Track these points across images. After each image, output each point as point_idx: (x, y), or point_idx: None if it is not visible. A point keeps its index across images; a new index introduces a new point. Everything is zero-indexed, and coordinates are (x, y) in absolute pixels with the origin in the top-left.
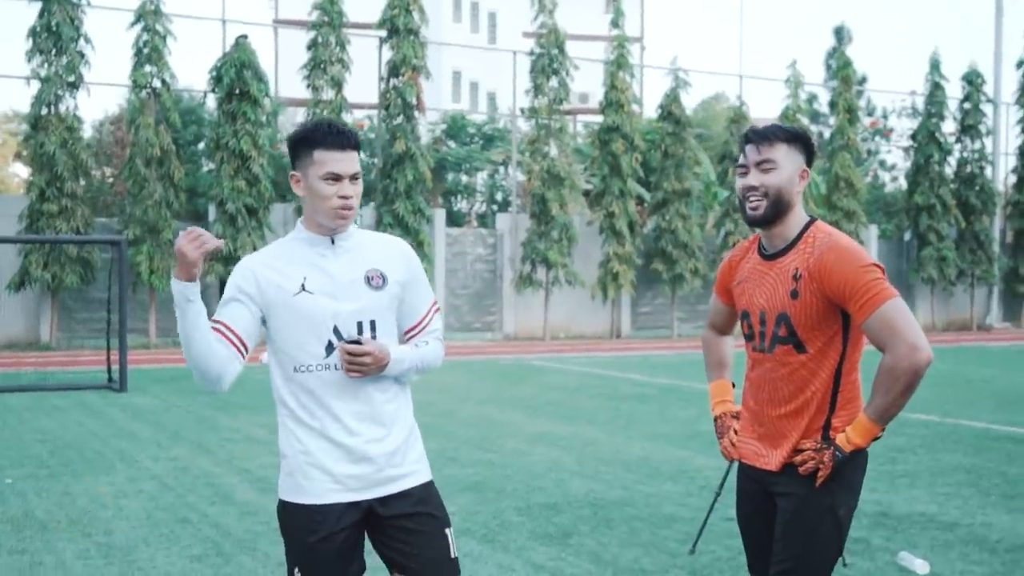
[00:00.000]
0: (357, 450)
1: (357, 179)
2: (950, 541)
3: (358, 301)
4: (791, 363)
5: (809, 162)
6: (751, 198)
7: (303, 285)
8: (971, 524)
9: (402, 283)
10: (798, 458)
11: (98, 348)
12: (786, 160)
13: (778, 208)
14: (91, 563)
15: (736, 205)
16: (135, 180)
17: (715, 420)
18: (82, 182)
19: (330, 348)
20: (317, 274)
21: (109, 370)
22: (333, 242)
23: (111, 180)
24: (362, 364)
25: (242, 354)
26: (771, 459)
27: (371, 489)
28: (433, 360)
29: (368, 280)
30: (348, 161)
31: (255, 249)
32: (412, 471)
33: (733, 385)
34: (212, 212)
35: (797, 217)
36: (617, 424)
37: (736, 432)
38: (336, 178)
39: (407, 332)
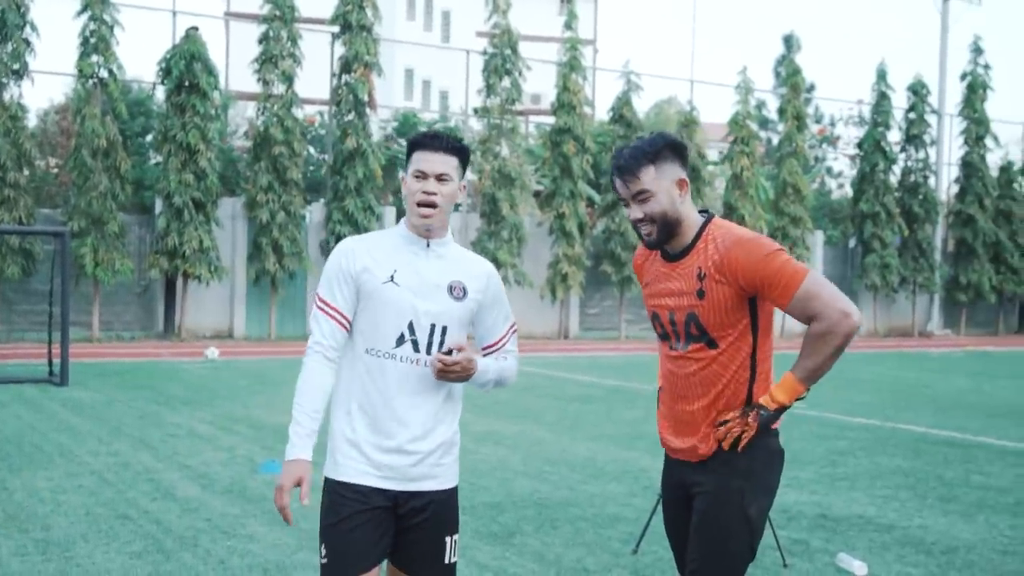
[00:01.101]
0: (396, 441)
1: (444, 180)
2: (887, 543)
3: (437, 305)
4: (704, 359)
5: (685, 164)
6: (641, 227)
7: (392, 276)
8: (908, 526)
9: (480, 301)
10: (721, 430)
11: (39, 341)
12: (657, 182)
13: (669, 228)
14: (28, 559)
15: None
16: (80, 171)
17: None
18: (25, 172)
19: (400, 340)
20: (408, 270)
21: (50, 363)
22: (428, 245)
23: (55, 170)
24: (452, 372)
25: (345, 327)
26: (686, 452)
27: (401, 481)
28: (510, 375)
29: (450, 289)
30: (437, 161)
31: (201, 244)
32: (437, 475)
33: None
34: (159, 205)
35: (691, 221)
36: (563, 424)
37: None
38: (423, 175)
39: (485, 348)
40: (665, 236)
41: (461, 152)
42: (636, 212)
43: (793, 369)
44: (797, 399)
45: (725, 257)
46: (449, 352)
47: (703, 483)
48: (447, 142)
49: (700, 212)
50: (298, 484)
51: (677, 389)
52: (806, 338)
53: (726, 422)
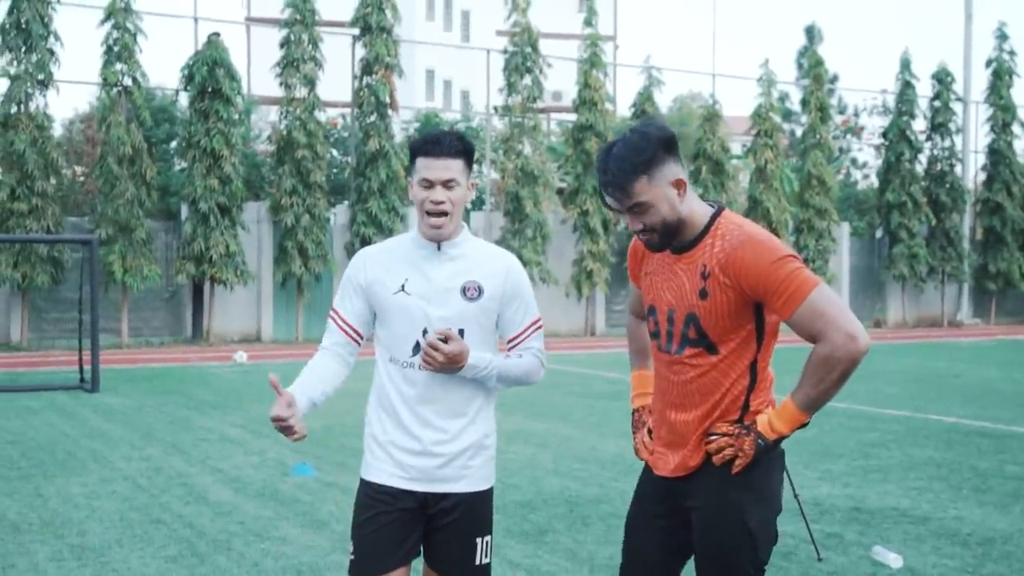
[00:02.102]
0: (423, 444)
1: (451, 186)
2: (922, 535)
3: (450, 309)
4: (701, 365)
5: (679, 158)
6: (641, 236)
7: (403, 286)
8: (943, 518)
9: (499, 298)
10: (712, 445)
11: (69, 348)
12: (653, 192)
13: (671, 232)
14: (64, 565)
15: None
16: (106, 179)
17: (632, 413)
18: (52, 181)
19: (416, 348)
20: (418, 277)
21: (81, 370)
22: (439, 248)
23: (82, 179)
24: (434, 359)
25: (356, 340)
26: (675, 464)
27: (427, 483)
28: (522, 373)
29: (464, 291)
30: (441, 168)
31: (228, 249)
32: (466, 476)
33: None
34: (184, 211)
35: (696, 215)
36: (591, 422)
37: (651, 431)
38: (428, 184)
39: (508, 343)
40: (668, 240)
41: (466, 153)
42: (635, 224)
43: (793, 396)
44: (798, 428)
45: (731, 256)
46: (444, 339)
47: (696, 497)
48: (449, 146)
49: (708, 203)
50: (279, 404)
51: (670, 396)
52: (808, 362)
53: (717, 435)
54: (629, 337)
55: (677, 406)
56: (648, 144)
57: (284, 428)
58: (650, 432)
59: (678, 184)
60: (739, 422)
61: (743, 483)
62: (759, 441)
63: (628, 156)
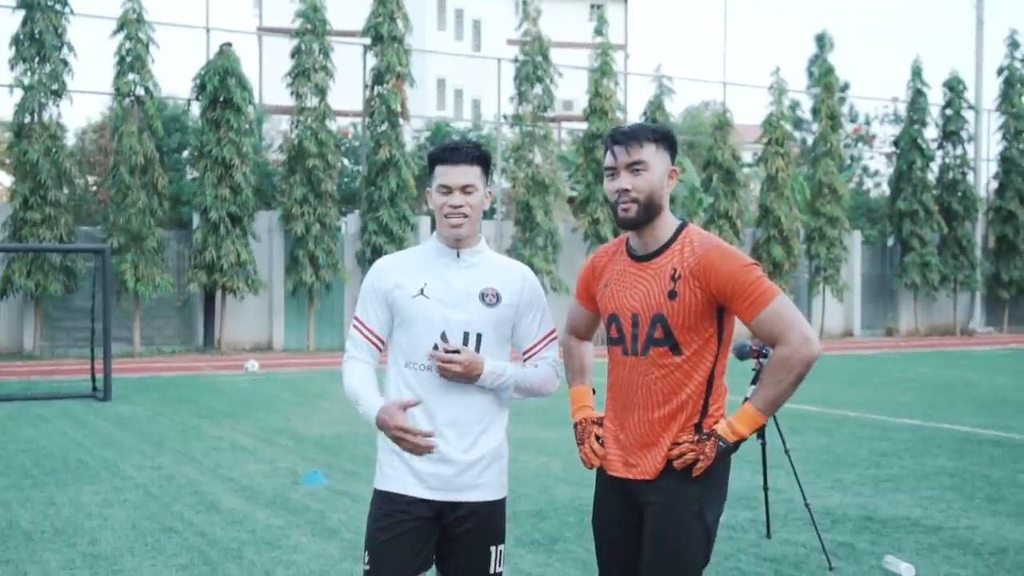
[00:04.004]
0: (441, 451)
1: (469, 191)
2: (935, 544)
3: (469, 314)
4: (666, 365)
5: (673, 159)
6: (622, 200)
7: (422, 290)
8: (955, 527)
9: (515, 307)
10: (674, 451)
11: (82, 357)
12: (655, 160)
13: (650, 211)
14: (76, 573)
15: (721, 212)
16: (119, 188)
17: (575, 426)
18: (65, 190)
19: (434, 351)
20: (438, 282)
21: (93, 379)
22: (459, 255)
23: (94, 188)
24: (450, 369)
25: (377, 347)
26: (644, 467)
27: (444, 491)
28: (538, 383)
29: (483, 296)
30: (459, 173)
31: (239, 258)
32: (482, 485)
33: (594, 391)
34: (195, 220)
35: (668, 218)
36: None
37: (598, 438)
38: (447, 189)
39: (523, 355)
40: (644, 217)
41: (483, 160)
42: (624, 182)
43: (752, 399)
44: (756, 430)
45: (702, 259)
46: (455, 350)
47: (654, 492)
48: (468, 153)
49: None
50: (401, 413)
51: (635, 398)
52: (767, 366)
53: (679, 443)
54: (567, 356)
55: (643, 406)
56: (666, 130)
57: (414, 445)
58: (598, 438)
59: (671, 173)
60: (698, 427)
61: (701, 478)
62: (720, 444)
63: (647, 125)
